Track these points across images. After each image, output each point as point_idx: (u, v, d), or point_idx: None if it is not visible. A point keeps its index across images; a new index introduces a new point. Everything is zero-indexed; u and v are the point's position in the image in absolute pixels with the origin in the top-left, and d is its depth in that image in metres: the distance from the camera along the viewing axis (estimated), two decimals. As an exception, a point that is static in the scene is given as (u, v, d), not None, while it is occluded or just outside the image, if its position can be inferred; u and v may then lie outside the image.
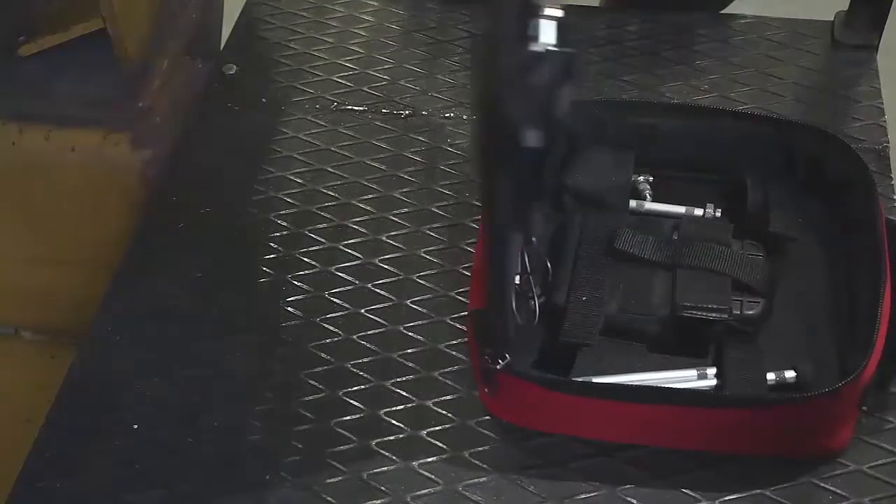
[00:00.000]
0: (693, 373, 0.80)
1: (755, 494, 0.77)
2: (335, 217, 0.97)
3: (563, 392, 0.78)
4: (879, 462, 0.78)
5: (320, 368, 0.86)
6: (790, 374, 0.78)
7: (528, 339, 0.83)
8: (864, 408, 0.78)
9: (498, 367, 0.77)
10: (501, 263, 0.73)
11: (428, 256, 0.93)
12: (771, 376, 0.78)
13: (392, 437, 0.81)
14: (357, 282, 0.92)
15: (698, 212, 0.89)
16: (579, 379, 0.79)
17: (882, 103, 1.03)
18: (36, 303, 1.18)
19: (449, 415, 0.82)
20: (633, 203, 0.90)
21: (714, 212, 0.89)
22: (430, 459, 0.80)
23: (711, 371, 0.79)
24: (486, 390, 0.81)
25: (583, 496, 0.78)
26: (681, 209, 0.89)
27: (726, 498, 0.77)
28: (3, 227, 1.13)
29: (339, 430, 0.82)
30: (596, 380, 0.79)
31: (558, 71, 0.64)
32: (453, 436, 0.81)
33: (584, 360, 0.81)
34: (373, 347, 0.87)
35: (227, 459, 0.81)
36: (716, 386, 0.79)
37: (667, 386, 0.79)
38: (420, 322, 0.88)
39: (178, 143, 1.05)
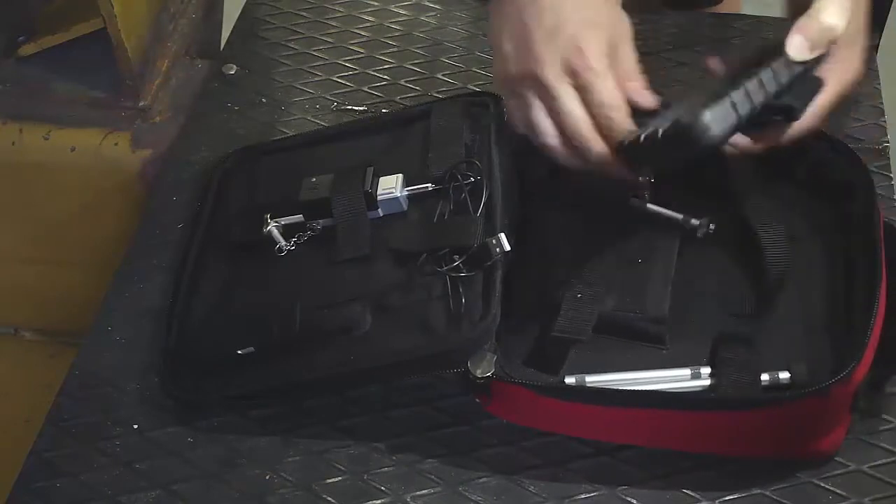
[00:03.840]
0: (687, 372, 0.80)
1: (755, 494, 0.77)
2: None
3: (552, 396, 0.78)
4: (879, 462, 0.78)
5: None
6: (784, 375, 0.78)
7: (522, 334, 0.83)
8: (861, 405, 0.77)
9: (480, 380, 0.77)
10: None
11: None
12: (765, 377, 0.78)
13: (392, 438, 0.81)
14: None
15: (695, 221, 0.88)
16: (572, 380, 0.80)
17: (882, 103, 1.03)
18: (36, 303, 1.19)
19: (449, 414, 0.82)
20: (634, 201, 0.90)
21: (708, 229, 0.88)
22: (430, 459, 0.80)
23: (705, 371, 0.79)
24: (478, 400, 0.81)
25: (583, 496, 0.78)
26: (678, 216, 0.88)
27: (726, 498, 0.77)
28: (2, 227, 1.13)
29: (340, 430, 0.82)
30: (589, 378, 0.79)
31: None
32: (453, 436, 0.81)
33: (577, 358, 0.81)
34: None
35: (227, 459, 0.81)
36: (709, 386, 0.79)
37: (655, 388, 0.79)
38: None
39: (178, 143, 1.05)
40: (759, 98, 0.76)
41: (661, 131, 0.75)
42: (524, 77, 0.82)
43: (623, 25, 0.85)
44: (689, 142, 0.73)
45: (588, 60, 0.80)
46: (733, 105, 0.74)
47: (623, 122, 0.80)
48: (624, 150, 0.79)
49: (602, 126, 0.81)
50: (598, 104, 0.80)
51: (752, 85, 0.76)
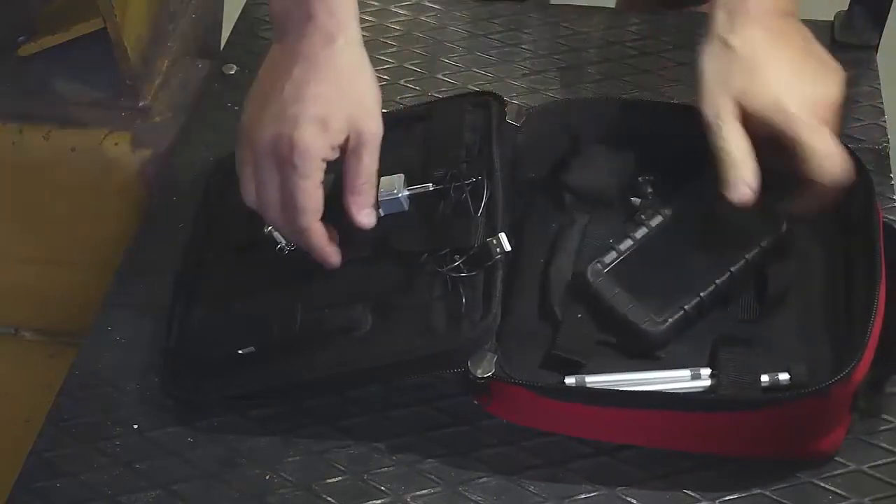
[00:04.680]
0: (687, 373, 0.80)
1: (755, 494, 0.77)
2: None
3: (552, 397, 0.78)
4: (879, 462, 0.78)
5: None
6: (784, 376, 0.78)
7: (522, 335, 0.83)
8: (861, 405, 0.78)
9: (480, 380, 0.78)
10: None
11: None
12: (765, 378, 0.78)
13: (392, 438, 0.81)
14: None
15: None
16: (572, 380, 0.79)
17: (882, 103, 1.03)
18: (36, 303, 1.19)
19: (449, 414, 0.82)
20: (635, 201, 0.90)
21: None
22: (430, 459, 0.80)
23: (705, 371, 0.80)
24: (476, 402, 0.82)
25: (583, 496, 0.78)
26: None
27: (726, 498, 0.77)
28: (2, 227, 1.13)
29: (340, 430, 0.82)
30: (589, 378, 0.79)
31: None
32: (453, 436, 0.81)
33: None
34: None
35: (227, 459, 0.81)
36: (709, 386, 0.79)
37: (655, 389, 0.79)
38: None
39: (178, 143, 1.05)
40: (712, 300, 0.82)
41: (624, 313, 0.81)
42: (246, 142, 0.80)
43: (371, 128, 0.80)
44: (639, 335, 0.80)
45: (292, 154, 0.77)
46: (685, 314, 0.81)
47: (310, 228, 0.78)
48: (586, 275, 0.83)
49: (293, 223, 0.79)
50: (289, 200, 0.78)
51: (708, 296, 0.82)
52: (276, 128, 0.78)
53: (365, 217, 0.81)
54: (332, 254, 0.82)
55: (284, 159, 0.77)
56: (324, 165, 0.79)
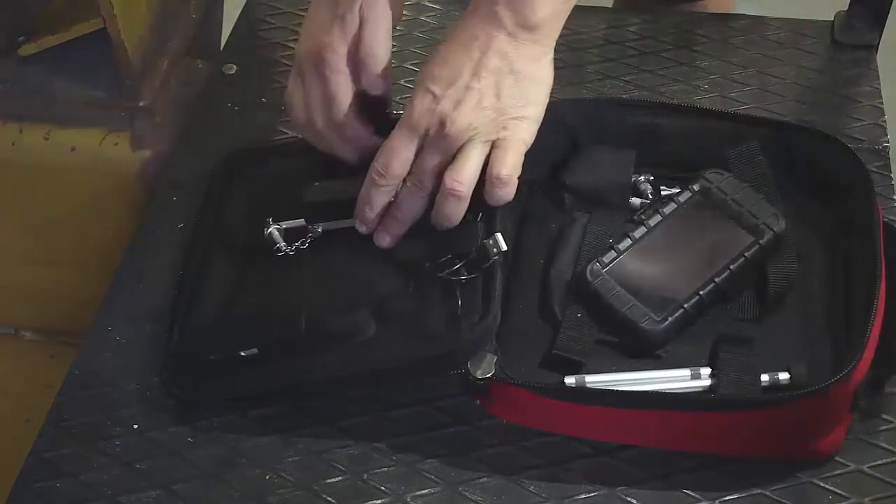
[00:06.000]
0: (687, 372, 0.80)
1: (755, 494, 0.77)
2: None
3: (552, 397, 0.78)
4: (879, 462, 0.78)
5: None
6: (784, 375, 0.78)
7: (523, 336, 0.83)
8: (861, 405, 0.78)
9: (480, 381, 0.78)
10: None
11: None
12: (765, 378, 0.78)
13: (392, 438, 0.81)
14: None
15: None
16: (572, 381, 0.80)
17: (882, 103, 1.03)
18: (36, 303, 1.19)
19: (449, 414, 0.82)
20: (635, 201, 0.90)
21: None
22: (430, 459, 0.80)
23: (705, 371, 0.80)
24: (478, 402, 0.82)
25: (583, 496, 0.78)
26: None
27: (726, 498, 0.77)
28: (3, 227, 1.13)
29: (340, 430, 0.82)
30: (589, 378, 0.80)
31: None
32: (453, 436, 0.81)
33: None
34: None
35: (227, 459, 0.81)
36: (709, 386, 0.79)
37: (656, 389, 0.79)
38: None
39: (178, 143, 1.05)
40: (711, 299, 0.82)
41: (623, 312, 0.81)
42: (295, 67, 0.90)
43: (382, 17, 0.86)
44: (638, 334, 0.81)
45: (323, 54, 0.86)
46: (685, 313, 0.82)
47: (344, 122, 0.86)
48: (586, 282, 0.83)
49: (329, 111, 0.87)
50: (326, 98, 0.87)
51: (707, 294, 0.82)
52: (308, 42, 0.87)
53: (370, 84, 0.87)
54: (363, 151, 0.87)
55: (317, 64, 0.86)
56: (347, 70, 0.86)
